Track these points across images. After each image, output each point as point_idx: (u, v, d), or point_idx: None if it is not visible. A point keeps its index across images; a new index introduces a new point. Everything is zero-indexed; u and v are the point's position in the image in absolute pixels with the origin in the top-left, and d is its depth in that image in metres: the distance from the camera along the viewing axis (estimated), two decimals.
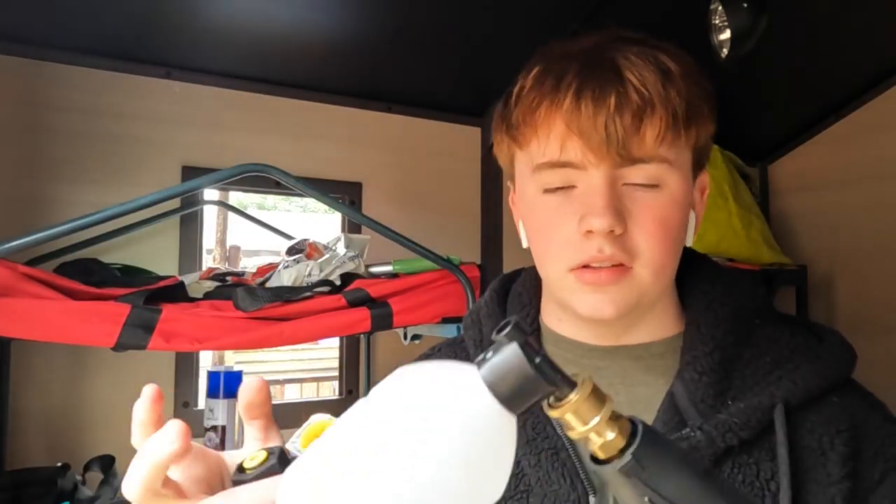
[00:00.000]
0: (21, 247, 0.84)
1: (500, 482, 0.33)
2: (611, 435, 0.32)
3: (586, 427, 0.32)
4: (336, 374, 1.72)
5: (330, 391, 5.33)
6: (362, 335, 1.58)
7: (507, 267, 1.32)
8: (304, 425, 1.45)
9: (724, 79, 1.62)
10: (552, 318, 0.61)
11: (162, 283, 1.06)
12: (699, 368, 0.52)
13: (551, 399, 0.32)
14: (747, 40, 1.23)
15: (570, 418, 0.32)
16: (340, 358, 1.68)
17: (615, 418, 0.33)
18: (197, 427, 1.34)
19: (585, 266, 0.51)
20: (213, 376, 1.27)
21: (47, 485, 1.12)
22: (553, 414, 0.32)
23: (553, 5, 1.37)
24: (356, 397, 1.63)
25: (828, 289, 1.95)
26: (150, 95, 1.41)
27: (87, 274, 1.08)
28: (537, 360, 0.30)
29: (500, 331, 0.31)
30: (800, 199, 2.06)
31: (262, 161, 0.99)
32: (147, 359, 1.35)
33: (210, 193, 1.47)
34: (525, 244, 0.59)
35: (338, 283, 1.14)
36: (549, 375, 0.31)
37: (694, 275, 0.60)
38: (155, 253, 1.41)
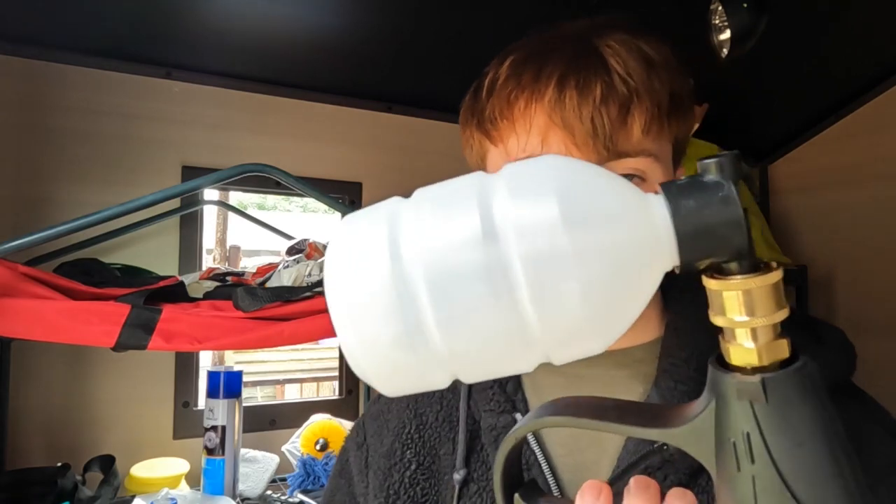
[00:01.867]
0: (21, 247, 0.84)
1: (617, 328, 0.29)
2: (764, 345, 0.26)
3: (743, 318, 0.26)
4: (336, 374, 1.72)
5: (330, 391, 5.33)
6: None
7: None
8: (304, 425, 1.45)
9: (724, 79, 1.63)
10: None
11: (162, 283, 1.06)
12: (675, 377, 0.49)
13: (718, 268, 0.27)
14: (747, 40, 1.23)
15: (729, 299, 0.27)
16: (340, 358, 1.68)
17: (779, 334, 0.27)
18: (197, 427, 1.34)
19: None
20: (213, 376, 1.27)
21: (47, 485, 1.12)
22: (714, 285, 0.27)
23: (553, 5, 1.37)
24: (356, 397, 1.63)
25: (828, 289, 1.95)
26: (150, 95, 1.41)
27: (87, 274, 1.07)
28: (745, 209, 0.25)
29: (706, 159, 0.26)
30: (800, 199, 2.06)
31: (262, 161, 0.99)
32: (147, 359, 1.35)
33: (210, 193, 1.47)
34: None
35: None
36: (748, 233, 0.26)
37: (677, 275, 0.58)
38: (155, 253, 1.40)
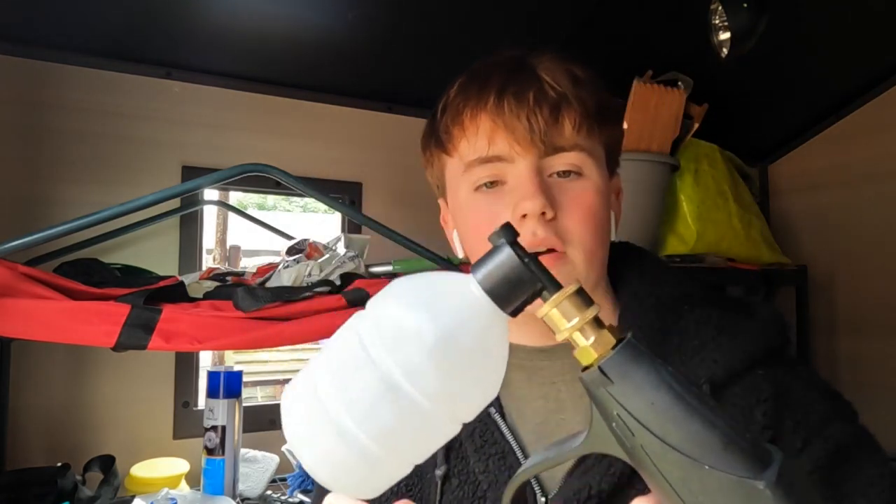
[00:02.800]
0: (21, 247, 0.84)
1: (494, 378, 0.35)
2: (591, 339, 0.33)
3: (570, 324, 0.33)
4: None
5: None
6: None
7: None
8: None
9: (724, 79, 1.63)
10: None
11: (162, 283, 1.06)
12: None
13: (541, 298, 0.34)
14: (747, 40, 1.23)
15: (554, 316, 0.33)
16: None
17: (600, 325, 0.33)
18: (197, 427, 1.34)
19: None
20: (213, 376, 1.27)
21: (47, 485, 1.11)
22: (540, 312, 0.34)
23: (553, 5, 1.37)
24: None
25: (828, 289, 1.95)
26: (150, 95, 1.41)
27: (87, 274, 1.07)
28: (526, 259, 0.33)
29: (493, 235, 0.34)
30: (800, 199, 2.06)
31: (262, 161, 0.99)
32: (147, 359, 1.35)
33: (210, 193, 1.47)
34: (461, 253, 0.63)
35: (338, 283, 1.13)
36: (538, 268, 0.33)
37: (625, 269, 0.63)
38: (155, 253, 1.40)
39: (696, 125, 1.61)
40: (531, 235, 0.52)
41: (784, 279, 1.87)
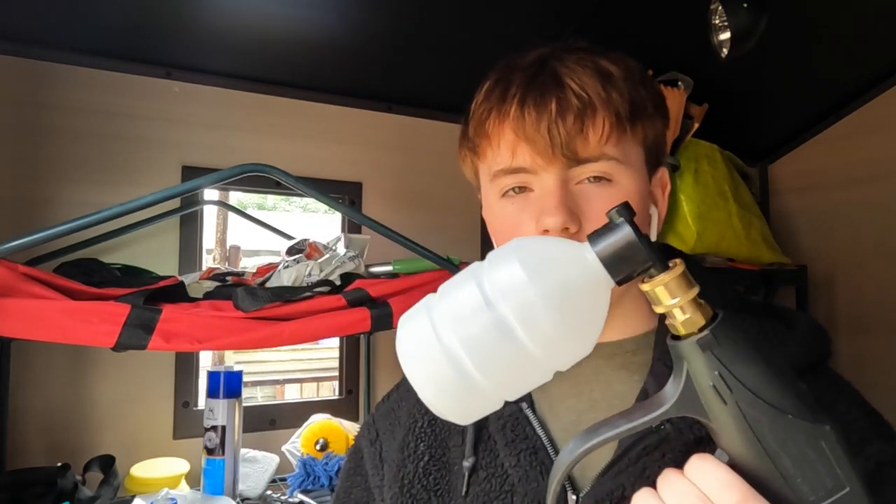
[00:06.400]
0: (21, 247, 0.84)
1: (592, 337, 0.40)
2: (693, 313, 0.37)
3: (673, 301, 0.38)
4: (336, 374, 1.72)
5: (330, 391, 5.33)
6: (362, 335, 1.58)
7: None
8: (304, 425, 1.45)
9: (724, 79, 1.63)
10: None
11: (162, 283, 1.06)
12: (668, 363, 0.53)
13: (646, 276, 0.38)
14: (747, 40, 1.23)
15: (659, 292, 0.38)
16: (340, 358, 1.68)
17: (699, 303, 0.38)
18: (197, 427, 1.34)
19: None
20: (213, 376, 1.27)
21: (47, 485, 1.11)
22: (645, 287, 0.38)
23: (553, 5, 1.37)
24: (356, 397, 1.63)
25: (828, 289, 1.95)
26: (150, 95, 1.41)
27: (87, 274, 1.07)
28: (642, 238, 0.37)
29: (612, 211, 0.38)
30: (800, 199, 2.06)
31: (262, 161, 0.99)
32: (147, 359, 1.35)
33: (210, 193, 1.47)
34: None
35: (338, 283, 1.14)
36: (650, 249, 0.37)
37: None
38: (155, 253, 1.41)
39: (696, 125, 1.61)
40: None
41: (784, 279, 1.87)
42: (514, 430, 0.57)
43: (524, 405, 0.59)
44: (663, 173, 0.61)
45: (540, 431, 0.57)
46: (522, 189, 0.55)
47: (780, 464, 0.36)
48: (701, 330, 0.37)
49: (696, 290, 0.38)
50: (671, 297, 0.37)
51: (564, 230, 0.51)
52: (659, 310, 0.38)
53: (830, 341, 0.56)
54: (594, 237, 0.38)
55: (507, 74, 0.56)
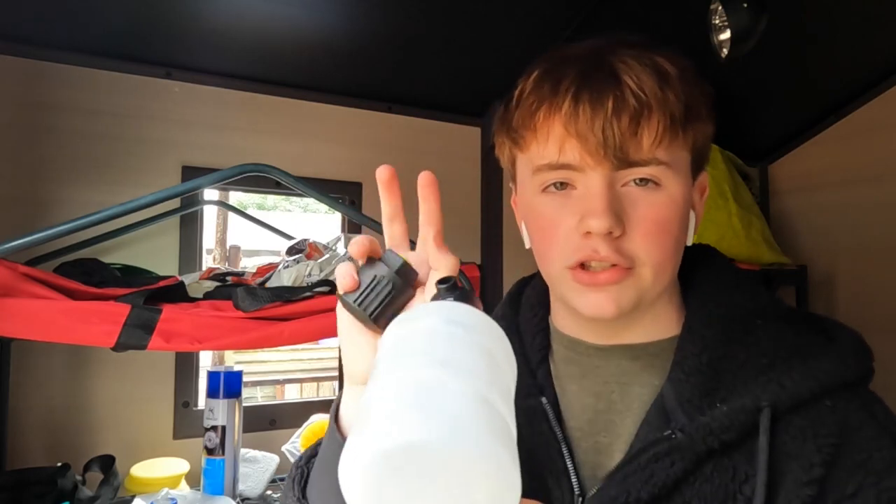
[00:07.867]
0: (21, 247, 0.84)
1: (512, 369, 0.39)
2: None
3: None
4: (336, 374, 1.72)
5: (330, 391, 5.33)
6: None
7: (507, 267, 1.32)
8: (304, 425, 1.45)
9: (724, 79, 1.63)
10: (559, 318, 0.62)
11: (162, 283, 1.06)
12: (686, 369, 0.52)
13: None
14: (747, 40, 1.23)
15: None
16: (340, 358, 1.68)
17: None
18: (197, 427, 1.34)
19: (582, 265, 0.51)
20: (213, 376, 1.27)
21: (47, 485, 1.12)
22: None
23: (553, 5, 1.37)
24: None
25: (828, 289, 1.95)
26: (150, 95, 1.41)
27: (87, 274, 1.07)
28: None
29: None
30: (800, 199, 2.06)
31: (262, 161, 0.99)
32: (147, 359, 1.35)
33: (210, 193, 1.47)
34: (528, 245, 0.60)
35: None
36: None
37: (699, 275, 0.60)
38: (155, 253, 1.41)
39: None
40: (592, 251, 0.50)
41: (784, 279, 1.87)
42: (529, 423, 0.56)
43: (543, 400, 0.58)
44: (704, 177, 0.58)
45: (556, 427, 0.56)
46: (564, 185, 0.53)
47: None
48: None
49: None
50: None
51: (608, 234, 0.49)
52: None
53: (873, 360, 0.53)
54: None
55: (559, 65, 0.53)
